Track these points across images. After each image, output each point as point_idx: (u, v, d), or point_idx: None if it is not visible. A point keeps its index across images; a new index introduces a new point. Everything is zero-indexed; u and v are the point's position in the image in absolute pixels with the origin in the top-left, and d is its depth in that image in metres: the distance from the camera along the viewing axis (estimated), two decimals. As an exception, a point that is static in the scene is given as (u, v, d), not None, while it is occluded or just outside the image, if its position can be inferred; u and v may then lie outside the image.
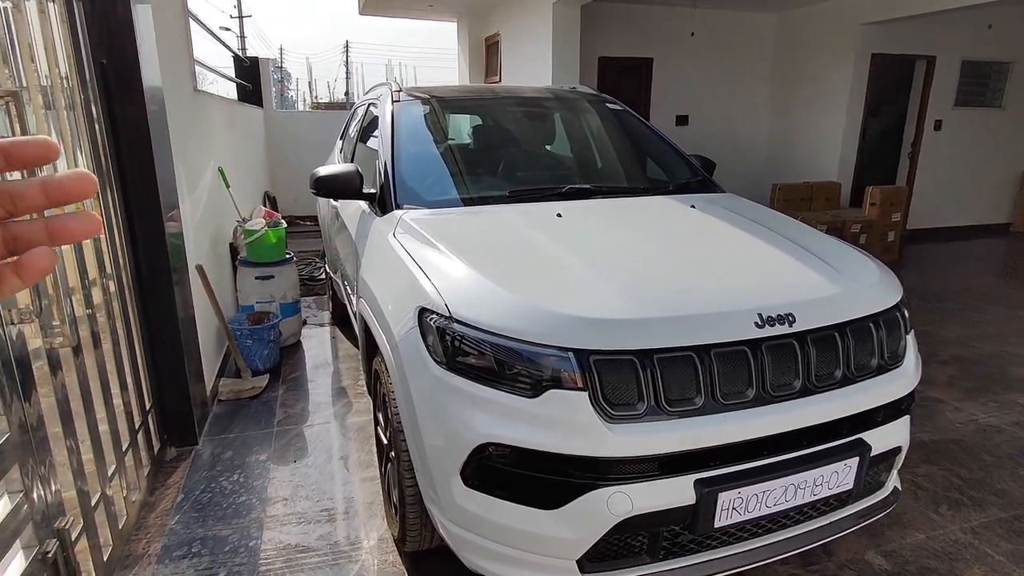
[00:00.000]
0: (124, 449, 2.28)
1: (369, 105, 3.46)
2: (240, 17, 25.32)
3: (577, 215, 2.19)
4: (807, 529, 1.74)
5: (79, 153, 2.10)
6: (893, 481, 1.96)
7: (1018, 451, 2.77)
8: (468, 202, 2.37)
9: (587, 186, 2.52)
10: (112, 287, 2.31)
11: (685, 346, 1.51)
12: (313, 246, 6.64)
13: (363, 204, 2.68)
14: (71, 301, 1.85)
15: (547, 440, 1.47)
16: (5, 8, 1.66)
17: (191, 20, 4.46)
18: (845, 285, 1.77)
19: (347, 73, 39.55)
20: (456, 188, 2.53)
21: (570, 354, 1.48)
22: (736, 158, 8.18)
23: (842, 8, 6.97)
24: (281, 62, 51.46)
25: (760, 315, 1.58)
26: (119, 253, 2.42)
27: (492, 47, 8.00)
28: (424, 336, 1.67)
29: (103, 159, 2.32)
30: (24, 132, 1.58)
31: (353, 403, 3.32)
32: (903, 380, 1.78)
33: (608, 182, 2.73)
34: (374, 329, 2.05)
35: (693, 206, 2.36)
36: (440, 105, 2.98)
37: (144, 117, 2.46)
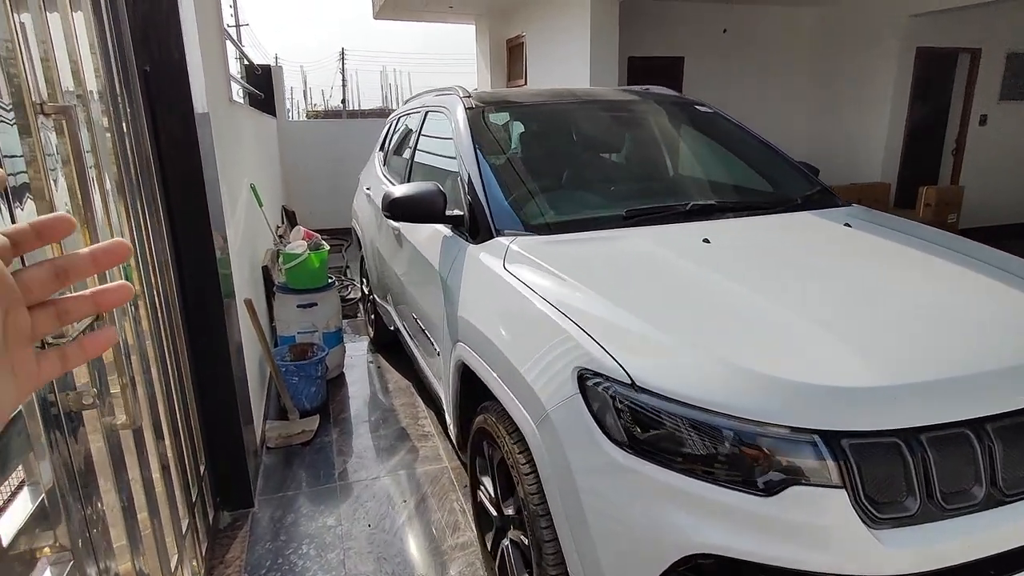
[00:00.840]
0: (183, 532, 1.91)
1: (427, 114, 3.10)
2: (237, 26, 24.94)
3: (726, 240, 1.83)
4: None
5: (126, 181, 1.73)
6: None
7: None
8: (580, 226, 2.00)
9: (712, 202, 2.15)
10: (165, 339, 1.94)
11: (959, 420, 1.15)
12: (333, 262, 6.24)
13: (443, 228, 2.32)
14: (131, 372, 1.48)
15: (788, 553, 1.11)
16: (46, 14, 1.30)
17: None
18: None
19: (343, 81, 39.13)
20: (561, 209, 2.17)
21: (816, 437, 1.12)
22: (771, 159, 7.84)
23: (887, 1, 6.65)
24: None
25: (1034, 372, 1.23)
26: (168, 290, 2.05)
27: (515, 49, 7.65)
28: (591, 407, 1.31)
29: (154, 184, 1.95)
30: (76, 151, 1.22)
31: (419, 448, 2.95)
32: None
33: (729, 197, 2.37)
34: (493, 384, 1.69)
35: (848, 224, 2.01)
36: (521, 113, 2.62)
37: (193, 130, 2.10)
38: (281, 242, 3.93)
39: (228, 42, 5.12)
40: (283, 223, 6.44)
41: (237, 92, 4.58)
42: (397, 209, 2.18)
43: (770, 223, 2.03)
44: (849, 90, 7.27)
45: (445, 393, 2.30)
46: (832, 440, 1.11)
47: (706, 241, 1.80)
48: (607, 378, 1.29)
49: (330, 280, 3.70)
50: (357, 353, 4.19)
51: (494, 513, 1.90)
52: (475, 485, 2.08)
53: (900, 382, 1.17)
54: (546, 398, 1.41)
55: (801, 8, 7.52)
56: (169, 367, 1.95)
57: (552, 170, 2.47)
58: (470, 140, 2.35)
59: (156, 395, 1.75)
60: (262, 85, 7.55)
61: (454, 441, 2.29)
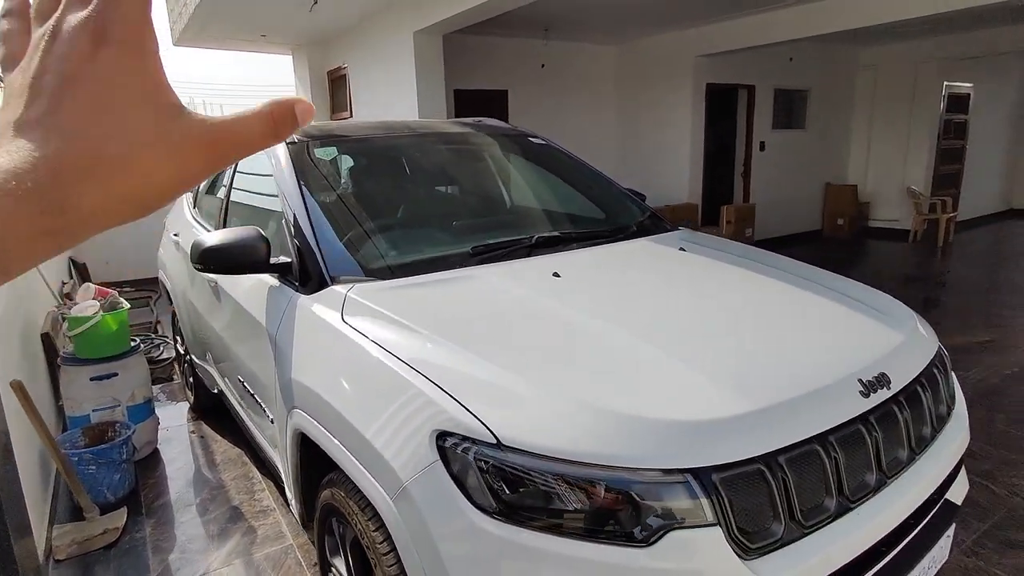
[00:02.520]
0: None
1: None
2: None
3: (575, 273, 1.81)
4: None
5: None
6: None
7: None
8: (425, 267, 1.87)
9: (556, 233, 2.14)
10: None
11: (810, 437, 1.19)
12: (139, 317, 5.43)
13: (268, 278, 2.05)
14: None
15: (675, 604, 1.06)
16: None
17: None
18: (901, 330, 1.59)
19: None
20: (403, 249, 2.02)
21: (688, 476, 1.08)
22: (594, 185, 8.37)
23: (677, 41, 7.47)
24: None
25: (861, 381, 1.32)
26: None
27: (338, 80, 7.38)
28: (453, 474, 1.17)
29: None
30: None
31: (256, 527, 2.57)
32: (960, 421, 1.64)
33: (571, 228, 2.38)
34: (338, 455, 1.48)
35: (683, 248, 2.10)
36: (350, 147, 2.44)
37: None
38: (66, 304, 3.29)
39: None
40: (71, 278, 5.49)
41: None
42: (210, 260, 1.88)
43: (614, 252, 2.07)
44: (653, 120, 8.03)
45: (283, 466, 2.02)
46: (704, 476, 1.09)
47: (556, 275, 1.76)
48: (469, 439, 1.16)
49: (133, 343, 3.16)
50: (176, 423, 3.62)
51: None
52: (325, 569, 1.82)
53: (756, 407, 1.18)
54: (401, 467, 1.24)
55: (605, 46, 8.19)
56: None
57: (388, 207, 2.32)
58: (293, 178, 2.12)
59: None
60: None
61: (298, 519, 2.01)
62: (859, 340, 1.51)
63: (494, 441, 1.13)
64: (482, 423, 1.16)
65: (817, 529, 1.17)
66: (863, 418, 1.29)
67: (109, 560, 2.41)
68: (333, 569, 1.76)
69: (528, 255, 1.96)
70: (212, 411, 3.52)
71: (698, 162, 7.74)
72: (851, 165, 9.53)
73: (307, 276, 1.86)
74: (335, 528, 1.68)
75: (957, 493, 1.57)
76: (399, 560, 1.30)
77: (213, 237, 1.90)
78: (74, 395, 2.95)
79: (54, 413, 3.12)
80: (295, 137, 2.35)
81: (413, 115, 5.67)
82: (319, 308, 1.72)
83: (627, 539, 1.07)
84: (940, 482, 1.42)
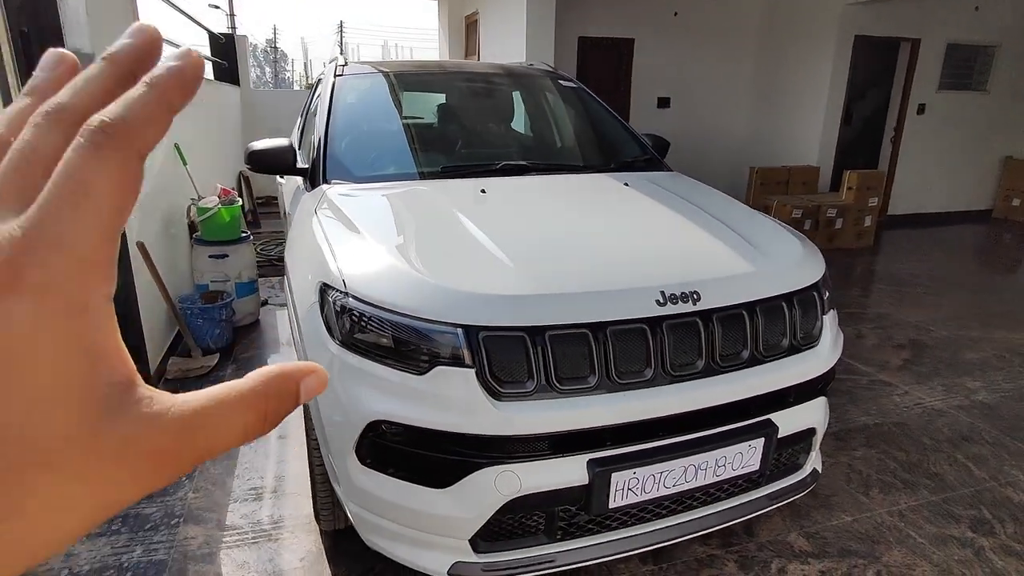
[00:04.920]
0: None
1: (318, 82, 3.39)
2: (230, -4, 24.98)
3: (502, 192, 2.15)
4: (716, 510, 1.73)
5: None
6: (812, 463, 1.94)
7: (958, 435, 2.76)
8: (397, 178, 2.32)
9: (522, 163, 2.46)
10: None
11: (578, 323, 1.47)
12: (277, 225, 6.56)
13: (299, 180, 2.63)
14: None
15: (433, 417, 1.44)
16: None
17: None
18: (759, 264, 1.74)
19: (342, 53, 39.08)
20: (388, 163, 2.48)
21: (459, 330, 1.44)
22: (718, 140, 8.10)
23: (825, -12, 6.86)
24: (276, 42, 50.70)
25: (663, 293, 1.55)
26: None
27: (471, 26, 7.87)
28: (323, 312, 1.63)
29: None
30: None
31: (301, 383, 3.29)
32: (816, 361, 1.75)
33: (546, 159, 2.68)
34: (290, 308, 2.02)
35: (627, 184, 2.32)
36: (384, 80, 2.92)
37: (68, 88, 2.39)
38: (201, 198, 4.23)
39: (174, 8, 5.37)
40: (239, 188, 6.74)
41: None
42: (255, 161, 2.48)
43: (556, 181, 2.35)
44: (791, 76, 7.50)
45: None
46: (471, 333, 1.44)
47: (483, 192, 2.12)
48: (332, 288, 1.61)
49: (244, 234, 4.01)
50: (282, 305, 4.52)
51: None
52: (306, 400, 2.42)
53: (533, 292, 1.49)
54: (300, 303, 1.75)
55: (749, -6, 7.72)
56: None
57: (399, 131, 2.78)
58: (328, 101, 2.65)
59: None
60: (226, 54, 7.80)
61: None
62: (690, 261, 1.69)
63: (344, 290, 1.58)
64: (342, 277, 1.60)
65: (575, 395, 1.47)
66: (652, 321, 1.52)
67: (198, 384, 3.27)
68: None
69: (484, 176, 2.31)
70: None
71: (833, 122, 7.15)
72: (1044, 138, 8.11)
73: (315, 178, 2.40)
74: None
75: (791, 420, 1.71)
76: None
77: (258, 144, 2.50)
78: (199, 267, 3.88)
79: (190, 280, 4.10)
80: (342, 70, 2.87)
81: (522, 59, 5.99)
82: (308, 200, 2.25)
83: (410, 367, 1.47)
84: (739, 399, 1.60)
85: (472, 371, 1.43)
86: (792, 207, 6.17)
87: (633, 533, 1.63)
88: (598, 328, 1.49)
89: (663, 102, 7.85)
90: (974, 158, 7.95)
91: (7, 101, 2.18)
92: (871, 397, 3.11)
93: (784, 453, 1.80)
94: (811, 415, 1.79)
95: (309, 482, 2.33)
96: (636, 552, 1.65)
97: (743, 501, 1.76)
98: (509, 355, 1.45)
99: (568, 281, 1.55)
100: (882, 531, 2.14)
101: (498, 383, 1.44)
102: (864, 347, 3.78)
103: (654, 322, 1.53)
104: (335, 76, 2.82)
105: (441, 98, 3.00)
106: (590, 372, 1.49)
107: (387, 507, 1.55)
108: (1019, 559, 2.01)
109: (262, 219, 7.18)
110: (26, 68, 2.30)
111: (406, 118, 2.88)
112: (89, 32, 2.59)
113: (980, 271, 5.77)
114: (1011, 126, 7.96)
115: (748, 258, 1.74)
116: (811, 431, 1.82)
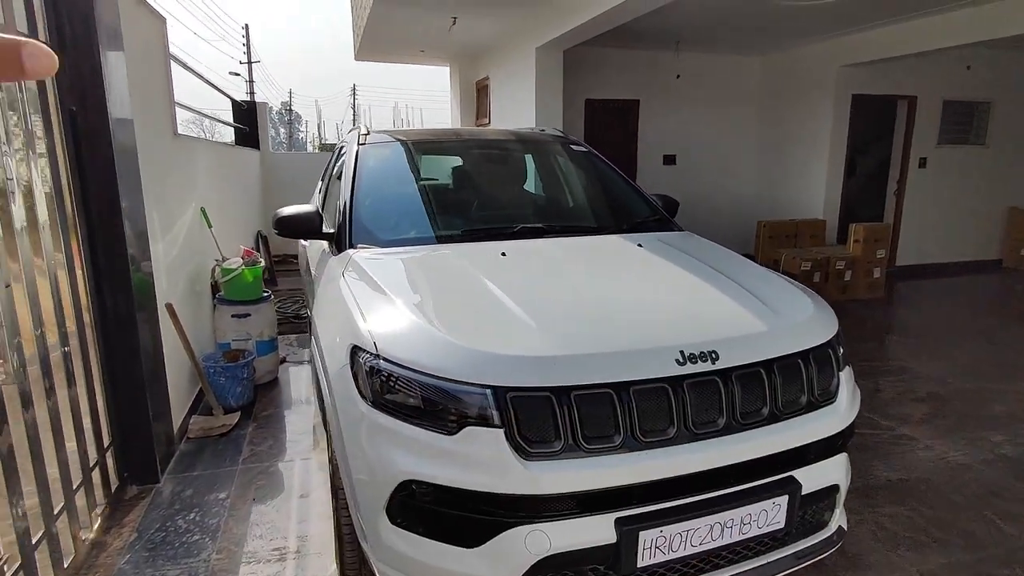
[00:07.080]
0: (75, 487, 2.29)
1: (341, 149, 3.56)
2: (249, 63, 26.17)
3: (521, 254, 2.23)
4: (743, 569, 1.72)
5: (41, 195, 2.18)
6: (838, 520, 1.93)
7: (986, 491, 2.73)
8: (421, 242, 2.42)
9: (539, 225, 2.56)
10: (71, 326, 2.36)
11: (603, 383, 1.52)
12: (296, 284, 6.70)
13: (324, 244, 2.74)
14: (20, 340, 1.89)
15: (463, 477, 1.48)
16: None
17: (184, 67, 4.63)
18: (774, 322, 1.79)
19: (354, 115, 40.51)
20: (410, 227, 2.59)
21: (488, 391, 1.49)
22: (724, 195, 8.28)
23: (822, 51, 7.14)
24: (291, 105, 52.60)
25: (682, 352, 1.60)
26: (82, 293, 2.47)
27: (482, 90, 8.21)
28: (354, 374, 1.69)
29: (68, 201, 2.40)
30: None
31: (323, 441, 3.32)
32: (835, 417, 1.78)
33: (561, 221, 2.78)
34: (319, 368, 2.08)
35: (640, 245, 2.40)
36: (403, 147, 3.07)
37: (111, 161, 2.54)
38: (224, 260, 4.37)
39: (205, 83, 5.67)
40: (248, 247, 6.92)
41: (194, 127, 5.07)
42: (282, 227, 2.60)
43: (573, 243, 2.44)
44: (793, 134, 7.72)
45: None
46: (500, 393, 1.49)
47: (503, 255, 2.21)
48: (365, 351, 1.68)
49: (265, 293, 4.12)
50: (300, 363, 4.59)
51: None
52: (330, 460, 2.45)
53: (559, 353, 1.55)
54: (332, 367, 1.81)
55: (748, 57, 8.04)
56: (73, 361, 2.36)
57: (420, 196, 2.90)
58: (352, 168, 2.79)
59: (55, 372, 2.16)
60: (248, 120, 8.15)
61: (323, 425, 2.67)
62: (707, 320, 1.75)
63: (375, 352, 1.64)
64: (372, 340, 1.67)
65: (601, 455, 1.50)
66: (674, 381, 1.57)
67: (219, 444, 3.30)
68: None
69: (502, 239, 2.41)
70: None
71: (836, 177, 7.31)
72: (1048, 188, 8.22)
73: (340, 243, 2.50)
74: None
75: (814, 477, 1.73)
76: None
77: (286, 210, 2.62)
78: (221, 326, 3.97)
79: (212, 339, 4.19)
80: (364, 138, 3.03)
81: (532, 123, 6.23)
82: (335, 264, 2.34)
83: (440, 427, 1.51)
84: (761, 455, 1.62)
85: (501, 431, 1.47)
86: (801, 260, 6.25)
87: (661, 593, 1.63)
88: (621, 388, 1.53)
89: (669, 159, 8.08)
90: (978, 209, 8.06)
91: (56, 176, 2.32)
92: (895, 452, 3.09)
93: (809, 511, 1.81)
94: (833, 472, 1.80)
95: (334, 542, 2.34)
96: (665, 613, 1.64)
97: (770, 560, 1.75)
98: (536, 415, 1.49)
99: (591, 342, 1.60)
100: (913, 591, 2.10)
101: (526, 443, 1.48)
102: (884, 400, 3.77)
103: (675, 381, 1.57)
104: (359, 144, 2.97)
105: (458, 165, 3.15)
106: (615, 431, 1.52)
107: (417, 566, 1.57)
108: (1056, 620, 1.97)
109: (279, 276, 7.33)
110: (73, 144, 2.45)
111: (428, 185, 3.01)
112: (131, 106, 2.77)
113: (995, 321, 5.77)
114: (1014, 178, 8.10)
115: (763, 317, 1.80)
116: (834, 488, 1.82)
